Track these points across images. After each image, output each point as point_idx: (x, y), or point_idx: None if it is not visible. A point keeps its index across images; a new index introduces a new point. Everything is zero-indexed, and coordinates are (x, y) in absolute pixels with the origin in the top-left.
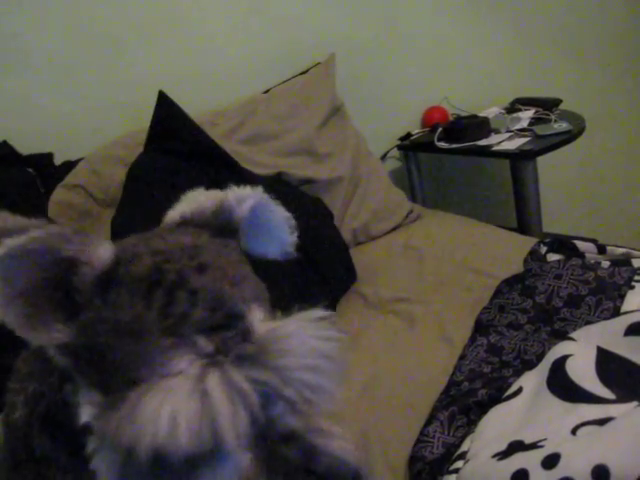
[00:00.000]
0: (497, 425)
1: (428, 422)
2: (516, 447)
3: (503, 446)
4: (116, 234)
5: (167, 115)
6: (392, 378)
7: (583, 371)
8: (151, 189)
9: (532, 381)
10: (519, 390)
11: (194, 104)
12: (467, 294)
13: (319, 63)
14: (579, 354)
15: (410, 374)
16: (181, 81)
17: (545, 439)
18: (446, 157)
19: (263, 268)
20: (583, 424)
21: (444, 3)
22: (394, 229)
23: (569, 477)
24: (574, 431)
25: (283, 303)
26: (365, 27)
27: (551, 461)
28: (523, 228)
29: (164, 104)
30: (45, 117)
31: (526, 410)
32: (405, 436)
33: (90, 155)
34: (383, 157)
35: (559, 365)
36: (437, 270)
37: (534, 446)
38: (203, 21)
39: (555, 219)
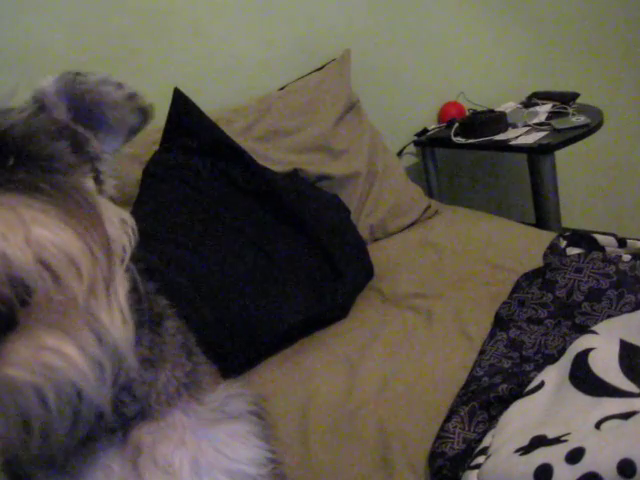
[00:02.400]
0: (519, 420)
1: (448, 418)
2: (539, 442)
3: (525, 441)
4: None
5: (183, 112)
6: (411, 374)
7: (606, 364)
8: (167, 186)
9: (554, 375)
10: (541, 384)
11: (209, 102)
12: (486, 289)
13: (334, 59)
14: (602, 347)
15: (429, 369)
16: (196, 79)
17: (568, 434)
18: (463, 152)
19: (279, 267)
20: (607, 418)
21: None
22: (411, 225)
23: (594, 472)
24: (598, 425)
25: (300, 300)
26: (380, 23)
27: (575, 456)
28: (541, 223)
29: (179, 101)
30: None
31: (548, 404)
32: (425, 432)
33: None
34: (399, 153)
35: (582, 359)
36: (455, 265)
37: (557, 441)
38: (218, 19)
39: (573, 214)
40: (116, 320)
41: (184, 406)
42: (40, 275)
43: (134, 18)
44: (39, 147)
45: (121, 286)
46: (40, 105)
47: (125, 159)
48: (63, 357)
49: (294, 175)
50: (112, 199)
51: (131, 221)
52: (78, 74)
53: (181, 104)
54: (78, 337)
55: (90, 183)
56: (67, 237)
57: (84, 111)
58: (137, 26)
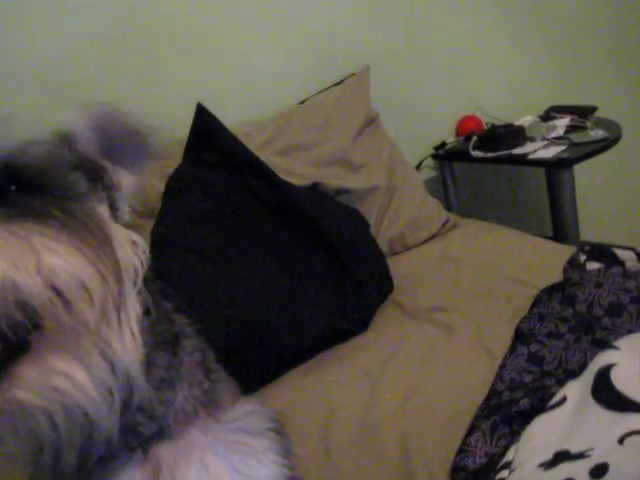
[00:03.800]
0: (542, 434)
1: (469, 432)
2: (562, 457)
3: (549, 456)
4: (156, 244)
5: (205, 127)
6: (432, 387)
7: (629, 380)
8: (190, 200)
9: (576, 390)
10: (563, 399)
11: (230, 116)
12: (505, 303)
13: (354, 74)
14: (623, 363)
15: (450, 383)
16: (216, 94)
17: (592, 449)
18: (481, 166)
19: (300, 280)
20: (630, 433)
21: (477, 12)
22: (430, 238)
23: None
24: (621, 441)
25: (321, 314)
26: (398, 38)
27: (599, 471)
28: (559, 237)
29: (202, 116)
30: None
31: (571, 419)
32: (447, 445)
33: None
34: (418, 166)
35: (603, 374)
36: (475, 279)
37: (581, 456)
38: (238, 34)
39: (591, 228)
40: (127, 345)
41: (202, 425)
42: (51, 301)
43: (157, 33)
44: (56, 180)
45: (133, 310)
46: (62, 138)
47: (148, 172)
48: (72, 381)
49: (314, 189)
50: (129, 219)
51: (142, 243)
52: (113, 109)
53: (204, 119)
54: (88, 362)
55: (104, 209)
56: (78, 263)
57: (110, 144)
58: (160, 40)
